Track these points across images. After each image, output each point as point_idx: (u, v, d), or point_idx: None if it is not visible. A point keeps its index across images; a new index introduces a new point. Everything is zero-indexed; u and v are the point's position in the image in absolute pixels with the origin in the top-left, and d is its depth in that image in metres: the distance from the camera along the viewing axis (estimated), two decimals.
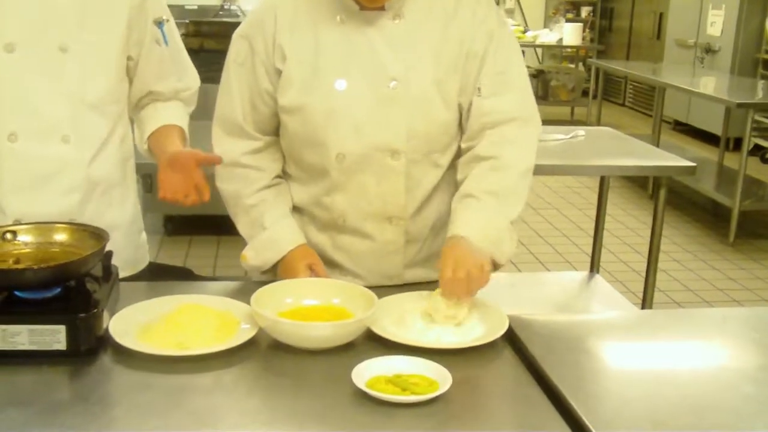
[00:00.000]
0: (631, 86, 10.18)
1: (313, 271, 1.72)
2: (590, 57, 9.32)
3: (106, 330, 1.42)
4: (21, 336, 1.35)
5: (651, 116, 7.65)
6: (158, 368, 1.35)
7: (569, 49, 10.01)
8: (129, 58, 1.81)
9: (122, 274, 1.68)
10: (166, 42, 1.85)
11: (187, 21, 4.53)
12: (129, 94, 1.87)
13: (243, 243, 1.81)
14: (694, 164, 3.22)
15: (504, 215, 1.68)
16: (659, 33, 9.42)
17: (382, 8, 1.68)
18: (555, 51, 10.59)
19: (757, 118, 6.83)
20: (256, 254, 1.77)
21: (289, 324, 1.45)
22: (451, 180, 1.79)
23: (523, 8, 11.14)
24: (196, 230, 4.83)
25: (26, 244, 1.55)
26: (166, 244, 4.78)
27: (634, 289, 4.19)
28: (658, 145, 5.10)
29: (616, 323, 1.75)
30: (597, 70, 8.17)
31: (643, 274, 3.38)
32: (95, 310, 1.39)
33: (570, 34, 9.08)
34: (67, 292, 1.45)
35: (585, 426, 1.21)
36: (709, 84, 6.44)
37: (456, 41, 1.70)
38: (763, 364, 1.47)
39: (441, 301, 1.53)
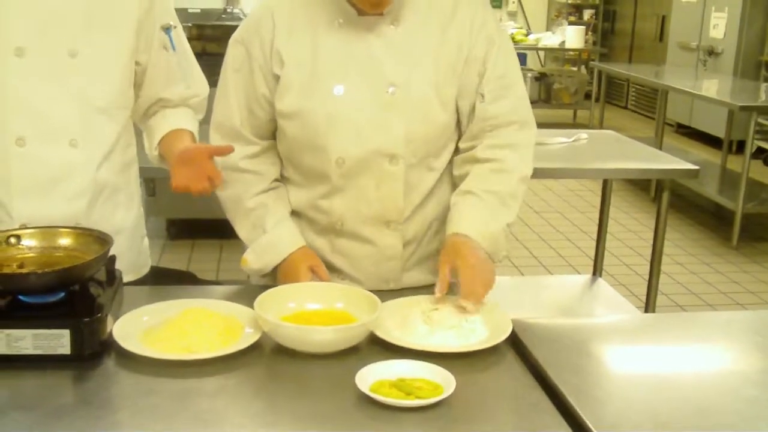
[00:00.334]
0: (633, 89, 10.18)
1: (314, 273, 1.72)
2: (593, 60, 9.31)
3: (110, 334, 1.42)
4: (25, 340, 1.35)
5: (654, 119, 7.65)
6: (162, 372, 1.35)
7: (572, 52, 10.02)
8: (137, 64, 1.82)
9: (125, 279, 1.68)
10: (173, 48, 1.85)
11: (190, 24, 4.52)
12: (137, 103, 1.87)
13: (245, 246, 1.81)
14: (697, 167, 3.22)
15: (502, 217, 1.71)
16: (662, 36, 9.42)
17: (381, 14, 1.68)
18: (557, 54, 10.59)
19: (761, 120, 6.82)
20: (256, 258, 1.77)
21: (292, 328, 1.45)
22: (445, 182, 1.81)
23: (525, 11, 11.16)
24: (199, 234, 4.84)
25: (30, 248, 1.55)
26: (169, 248, 4.79)
27: (637, 293, 4.19)
28: (660, 148, 5.10)
29: (619, 327, 1.75)
30: (599, 72, 8.17)
31: (646, 278, 3.37)
32: (99, 315, 1.40)
33: (572, 37, 9.08)
34: (71, 296, 1.44)
35: (588, 429, 1.21)
36: (712, 87, 6.44)
37: (454, 46, 1.71)
38: (765, 368, 1.47)
39: (445, 312, 1.54)
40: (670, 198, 3.24)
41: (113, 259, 1.56)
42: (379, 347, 1.46)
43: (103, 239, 1.54)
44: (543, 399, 1.32)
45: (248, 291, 1.66)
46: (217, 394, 1.31)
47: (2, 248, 1.53)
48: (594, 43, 10.31)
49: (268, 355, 1.45)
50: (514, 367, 1.44)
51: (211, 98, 1.87)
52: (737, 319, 1.82)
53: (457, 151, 1.80)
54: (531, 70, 9.70)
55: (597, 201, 4.16)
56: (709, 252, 5.18)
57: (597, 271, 3.80)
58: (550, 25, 10.76)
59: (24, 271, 1.48)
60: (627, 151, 3.50)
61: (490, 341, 1.48)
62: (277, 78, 1.70)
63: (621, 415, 1.28)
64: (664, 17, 9.37)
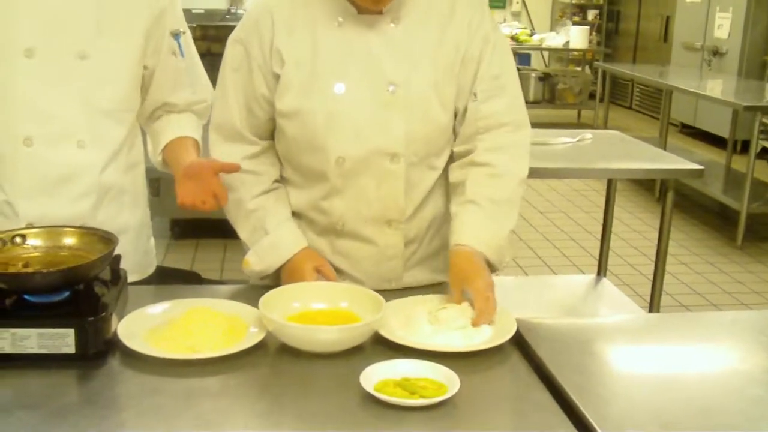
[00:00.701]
0: (637, 89, 10.16)
1: (320, 273, 1.72)
2: (597, 60, 9.30)
3: (115, 333, 1.43)
4: (30, 339, 1.35)
5: (658, 119, 7.64)
6: (167, 372, 1.36)
7: (576, 53, 10.01)
8: (145, 68, 1.82)
9: (130, 279, 1.68)
10: (182, 54, 1.86)
11: (194, 25, 4.54)
12: (143, 106, 1.88)
13: (246, 248, 1.80)
14: (701, 167, 3.22)
15: (505, 225, 1.71)
16: (666, 36, 9.40)
17: (380, 12, 1.68)
18: (562, 54, 10.59)
19: (765, 120, 6.78)
20: (259, 259, 1.76)
21: (297, 328, 1.46)
22: (445, 182, 1.80)
23: (529, 11, 11.15)
24: (203, 234, 4.84)
25: (35, 247, 1.56)
26: (173, 247, 4.80)
27: (642, 293, 4.19)
28: (665, 149, 5.09)
29: (624, 326, 1.74)
30: (604, 73, 8.17)
31: (651, 278, 3.37)
32: (104, 314, 1.40)
33: (577, 37, 9.08)
34: (75, 295, 1.45)
35: (593, 428, 1.21)
36: (717, 87, 6.43)
37: (452, 46, 1.71)
38: None
39: (452, 312, 1.54)
40: (674, 198, 3.23)
41: (118, 258, 1.56)
42: (383, 347, 1.46)
43: (107, 239, 1.54)
44: (547, 398, 1.32)
45: (252, 291, 1.66)
46: (221, 394, 1.31)
47: (7, 248, 1.54)
48: (598, 44, 10.30)
49: (273, 355, 1.45)
50: (519, 366, 1.44)
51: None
52: (742, 319, 1.81)
53: (451, 156, 1.80)
54: (535, 70, 9.69)
55: (601, 201, 4.15)
56: (713, 252, 5.18)
57: (601, 271, 3.79)
58: (554, 25, 10.75)
59: (29, 270, 1.48)
60: (631, 151, 3.49)
61: (494, 341, 1.48)
62: (276, 77, 1.70)
63: (625, 414, 1.28)
64: (668, 17, 9.36)
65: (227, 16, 6.45)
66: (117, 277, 1.55)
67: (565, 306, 3.49)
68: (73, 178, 1.74)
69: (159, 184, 4.12)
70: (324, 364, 1.41)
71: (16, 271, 1.47)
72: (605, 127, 7.38)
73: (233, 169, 1.65)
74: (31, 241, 1.56)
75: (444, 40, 1.71)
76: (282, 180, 1.82)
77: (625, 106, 10.43)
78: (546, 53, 10.87)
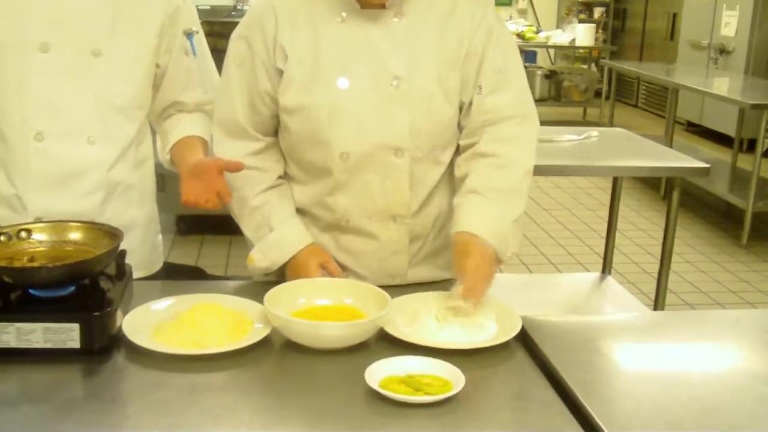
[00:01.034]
0: (643, 87, 10.14)
1: (325, 269, 1.72)
2: (603, 58, 9.29)
3: (120, 328, 1.43)
4: (35, 334, 1.35)
5: (664, 117, 7.62)
6: (172, 367, 1.36)
7: (582, 50, 10.00)
8: (157, 66, 1.83)
9: (137, 275, 1.69)
10: (194, 53, 1.86)
11: (200, 21, 4.53)
12: (153, 103, 1.88)
13: (250, 245, 1.80)
14: (707, 165, 3.21)
15: (508, 213, 1.68)
16: (672, 34, 9.38)
17: (383, 6, 1.68)
18: (568, 52, 10.57)
19: None
20: (263, 256, 1.76)
21: (302, 324, 1.45)
22: (451, 176, 1.79)
23: (535, 8, 11.14)
24: (209, 230, 4.85)
25: (41, 242, 1.56)
26: (179, 243, 4.80)
27: (647, 291, 4.18)
28: (671, 147, 5.07)
29: (629, 324, 1.74)
30: (610, 70, 8.15)
31: (656, 276, 3.36)
32: (109, 309, 1.40)
33: (583, 34, 9.06)
34: (81, 290, 1.45)
35: (598, 426, 1.21)
36: (723, 85, 6.41)
37: (455, 39, 1.70)
38: None
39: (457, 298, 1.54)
40: (680, 196, 3.23)
41: (123, 253, 1.57)
42: (388, 343, 1.45)
43: (113, 234, 1.55)
44: (552, 396, 1.32)
45: (258, 287, 1.66)
46: (226, 389, 1.31)
47: (13, 242, 1.54)
48: (604, 41, 10.28)
49: (278, 351, 1.45)
50: (524, 364, 1.44)
51: None
52: (747, 318, 1.81)
53: (457, 150, 1.79)
54: (541, 67, 9.68)
55: (606, 199, 4.15)
56: (718, 251, 5.17)
57: (606, 269, 3.79)
58: (560, 22, 10.73)
59: (34, 265, 1.49)
60: (637, 148, 3.49)
61: (499, 338, 1.48)
62: (280, 72, 1.70)
63: (630, 412, 1.28)
64: (674, 15, 9.33)
65: (233, 13, 6.45)
66: (122, 272, 1.55)
67: (570, 304, 3.48)
68: (82, 174, 1.74)
69: (164, 180, 4.13)
70: (329, 360, 1.41)
71: (21, 266, 1.47)
72: (611, 125, 7.35)
73: (237, 168, 1.65)
74: (37, 236, 1.56)
75: (447, 33, 1.70)
76: (286, 176, 1.82)
77: (631, 104, 10.41)
78: (552, 51, 10.85)
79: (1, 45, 1.67)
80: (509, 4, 11.02)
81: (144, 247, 1.91)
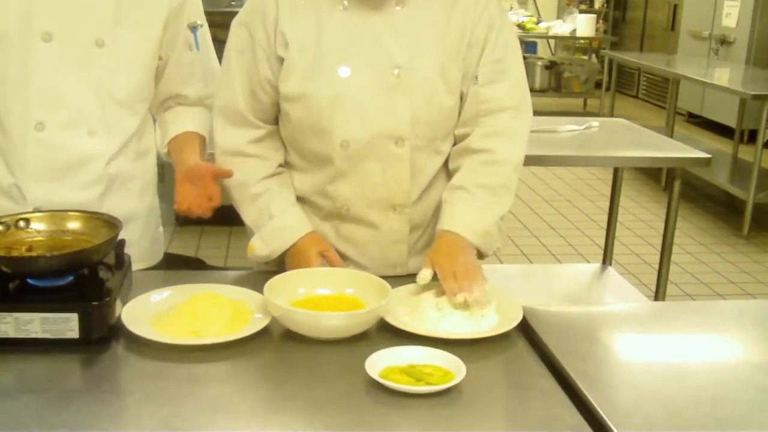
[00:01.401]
0: (644, 78, 10.12)
1: (325, 258, 1.71)
2: (603, 48, 9.26)
3: (119, 318, 1.42)
4: (33, 324, 1.35)
5: (664, 108, 7.61)
6: (171, 357, 1.35)
7: (582, 41, 9.97)
8: (159, 58, 1.82)
9: (138, 267, 1.69)
10: (197, 47, 1.85)
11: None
12: (154, 94, 1.87)
13: (251, 233, 1.79)
14: (708, 156, 3.19)
15: (495, 210, 1.71)
16: (673, 24, 9.36)
17: None
18: (568, 42, 10.55)
19: None
20: (264, 244, 1.75)
21: (302, 313, 1.45)
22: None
23: None
24: (208, 221, 4.82)
25: (39, 232, 1.55)
26: (178, 234, 4.80)
27: (647, 282, 4.18)
28: (671, 138, 5.06)
29: (630, 314, 1.73)
30: (610, 61, 8.13)
31: (656, 267, 3.35)
32: (108, 299, 1.39)
33: (583, 25, 9.04)
34: (79, 280, 1.45)
35: (599, 416, 1.21)
36: (724, 75, 6.39)
37: (458, 30, 1.70)
38: None
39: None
40: (680, 187, 3.22)
41: (122, 243, 1.56)
42: (389, 333, 1.45)
43: (112, 223, 1.54)
44: (553, 386, 1.31)
45: (257, 276, 1.66)
46: (225, 380, 1.31)
47: (11, 232, 1.53)
48: (605, 32, 10.25)
49: (277, 341, 1.44)
50: (525, 354, 1.44)
51: None
52: (749, 309, 1.81)
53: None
54: (541, 58, 9.66)
55: (607, 190, 4.15)
56: (719, 241, 5.16)
57: (607, 260, 3.79)
58: (560, 13, 10.71)
59: (33, 254, 1.48)
60: (638, 139, 3.47)
61: (500, 328, 1.47)
62: (281, 60, 1.69)
63: (632, 402, 1.27)
64: (675, 6, 9.31)
65: (232, 3, 6.43)
66: (121, 261, 1.55)
67: (571, 295, 3.48)
68: (81, 166, 1.74)
69: (163, 171, 4.13)
70: (329, 350, 1.40)
71: (19, 255, 1.47)
72: (611, 116, 7.35)
73: (229, 175, 1.71)
74: (35, 225, 1.55)
75: (449, 23, 1.70)
76: (286, 165, 1.81)
77: (632, 95, 10.39)
78: (552, 41, 10.82)
79: (3, 34, 1.66)
80: None
81: (144, 238, 1.90)
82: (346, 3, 1.67)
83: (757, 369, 1.40)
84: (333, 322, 1.43)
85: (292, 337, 1.44)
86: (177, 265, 2.39)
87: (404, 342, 1.39)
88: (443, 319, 1.49)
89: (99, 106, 1.73)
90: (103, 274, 1.49)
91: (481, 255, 1.69)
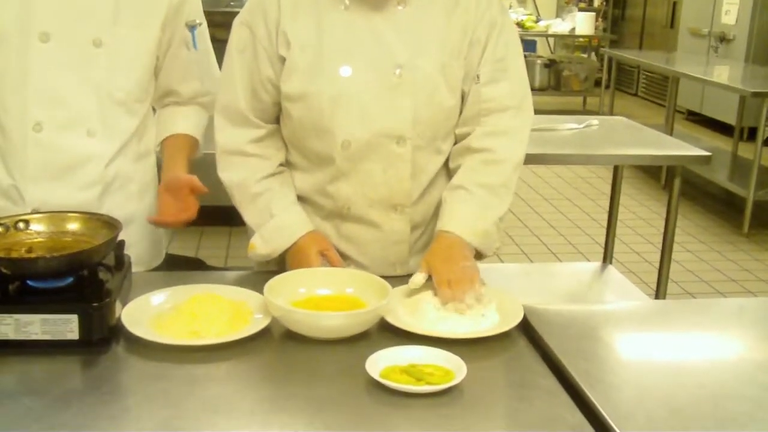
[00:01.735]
0: (644, 76, 10.12)
1: (325, 257, 1.71)
2: (603, 46, 9.26)
3: (119, 319, 1.42)
4: (33, 325, 1.35)
5: (664, 106, 7.60)
6: (171, 358, 1.35)
7: (582, 39, 9.96)
8: (156, 57, 1.81)
9: (138, 269, 1.68)
10: (195, 46, 1.85)
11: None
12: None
13: (251, 233, 1.79)
14: (708, 153, 3.19)
15: (494, 210, 1.71)
16: (673, 22, 9.36)
17: None
18: (567, 41, 10.54)
19: None
20: (264, 243, 1.75)
21: (302, 313, 1.45)
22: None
23: None
24: (208, 221, 4.81)
25: (39, 233, 1.55)
26: (178, 234, 4.78)
27: (648, 280, 4.18)
28: (671, 136, 5.06)
29: (631, 313, 1.73)
30: (610, 59, 8.13)
31: (657, 265, 3.35)
32: (108, 300, 1.39)
33: (582, 23, 9.04)
34: (79, 281, 1.44)
35: (601, 415, 1.20)
36: (724, 73, 6.39)
37: (459, 29, 1.70)
38: None
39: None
40: (680, 185, 3.21)
41: (122, 244, 1.56)
42: (389, 333, 1.45)
43: (111, 224, 1.54)
44: (554, 385, 1.31)
45: (257, 277, 1.65)
46: (225, 380, 1.31)
47: (11, 233, 1.53)
48: (604, 30, 10.25)
49: (278, 341, 1.44)
50: (526, 353, 1.43)
51: None
52: (749, 306, 1.81)
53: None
54: (540, 56, 9.66)
55: (607, 188, 4.14)
56: (720, 239, 5.16)
57: (607, 258, 3.78)
58: (560, 11, 10.70)
59: (32, 255, 1.48)
60: (638, 137, 3.47)
61: (501, 327, 1.47)
62: (282, 60, 1.69)
63: (634, 400, 1.27)
64: (675, 3, 9.31)
65: (232, 3, 6.42)
66: (121, 262, 1.54)
67: (571, 293, 3.48)
68: (80, 167, 1.74)
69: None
70: (329, 350, 1.40)
71: (19, 257, 1.46)
72: (611, 114, 7.35)
73: (204, 192, 1.73)
74: (35, 227, 1.55)
75: (451, 22, 1.69)
76: (287, 164, 1.81)
77: (631, 93, 10.39)
78: (551, 40, 10.82)
79: (0, 34, 1.66)
80: None
81: (143, 240, 1.90)
82: (347, 2, 1.67)
83: (758, 367, 1.40)
84: (333, 322, 1.43)
85: (292, 338, 1.44)
86: (177, 266, 2.39)
87: (405, 342, 1.39)
88: (444, 318, 1.49)
89: (98, 106, 1.73)
90: (102, 275, 1.49)
91: (480, 256, 1.69)
